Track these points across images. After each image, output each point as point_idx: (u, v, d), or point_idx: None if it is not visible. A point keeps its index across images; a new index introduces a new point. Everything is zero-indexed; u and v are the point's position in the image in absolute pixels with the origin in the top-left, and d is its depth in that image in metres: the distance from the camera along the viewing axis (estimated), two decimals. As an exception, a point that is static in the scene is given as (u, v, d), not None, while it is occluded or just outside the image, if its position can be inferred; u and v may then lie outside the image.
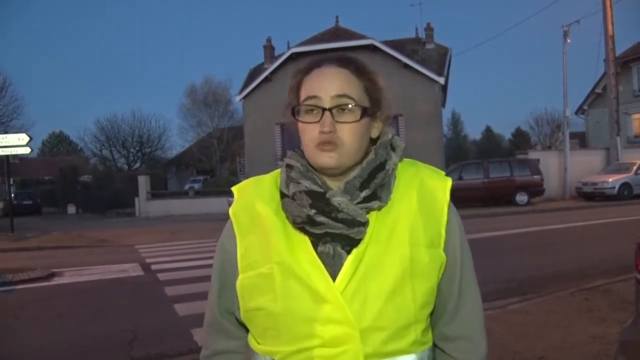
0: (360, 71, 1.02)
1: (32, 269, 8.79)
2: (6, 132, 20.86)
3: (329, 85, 0.98)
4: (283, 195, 1.03)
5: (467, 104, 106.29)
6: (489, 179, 18.26)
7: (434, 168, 1.08)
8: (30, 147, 17.23)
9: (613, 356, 2.62)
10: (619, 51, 22.53)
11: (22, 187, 35.87)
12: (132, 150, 43.94)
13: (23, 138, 16.66)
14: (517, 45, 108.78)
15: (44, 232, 17.20)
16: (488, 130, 61.45)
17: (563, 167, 20.58)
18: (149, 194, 24.97)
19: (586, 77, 64.03)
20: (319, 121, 0.97)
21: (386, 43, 22.81)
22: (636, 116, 27.41)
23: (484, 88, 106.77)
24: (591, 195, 18.79)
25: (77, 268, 9.27)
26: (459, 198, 17.43)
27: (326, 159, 0.98)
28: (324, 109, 0.97)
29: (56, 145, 56.95)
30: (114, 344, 4.73)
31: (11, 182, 19.35)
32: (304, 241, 0.99)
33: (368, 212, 0.99)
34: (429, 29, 25.23)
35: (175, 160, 42.05)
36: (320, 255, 0.97)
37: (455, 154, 46.97)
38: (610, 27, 19.72)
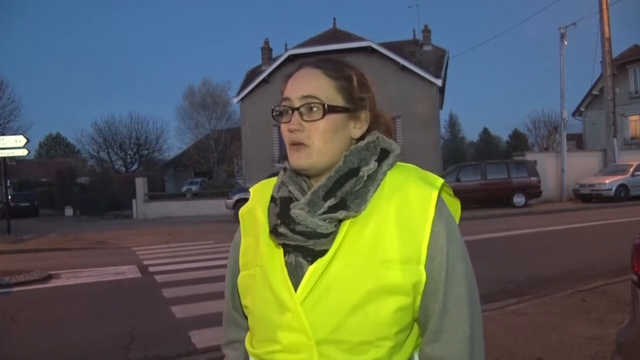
0: (335, 70, 0.99)
1: (29, 271, 8.75)
2: (3, 134, 20.80)
3: (298, 86, 0.98)
4: (273, 199, 1.03)
5: (465, 106, 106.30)
6: (487, 180, 18.26)
7: (428, 176, 0.98)
8: (28, 149, 17.14)
9: (610, 357, 2.62)
10: (615, 53, 22.63)
11: (19, 189, 35.77)
12: (129, 152, 43.88)
13: (20, 140, 16.57)
14: (515, 47, 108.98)
15: (41, 234, 17.14)
16: (485, 132, 61.49)
17: (560, 169, 20.64)
18: (146, 196, 24.94)
19: (583, 78, 64.38)
20: (290, 121, 0.98)
21: (384, 45, 22.85)
22: (633, 118, 27.54)
23: (482, 90, 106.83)
24: (588, 197, 18.86)
25: (75, 270, 9.23)
26: (456, 200, 17.47)
27: (295, 159, 0.97)
28: (293, 109, 0.97)
29: (53, 147, 56.84)
30: (111, 347, 4.72)
31: (8, 184, 19.28)
32: (279, 248, 0.99)
33: (339, 223, 0.95)
34: (426, 31, 25.31)
35: (173, 162, 42.02)
36: (286, 264, 0.97)
37: (452, 156, 46.99)
38: (606, 29, 19.77)
